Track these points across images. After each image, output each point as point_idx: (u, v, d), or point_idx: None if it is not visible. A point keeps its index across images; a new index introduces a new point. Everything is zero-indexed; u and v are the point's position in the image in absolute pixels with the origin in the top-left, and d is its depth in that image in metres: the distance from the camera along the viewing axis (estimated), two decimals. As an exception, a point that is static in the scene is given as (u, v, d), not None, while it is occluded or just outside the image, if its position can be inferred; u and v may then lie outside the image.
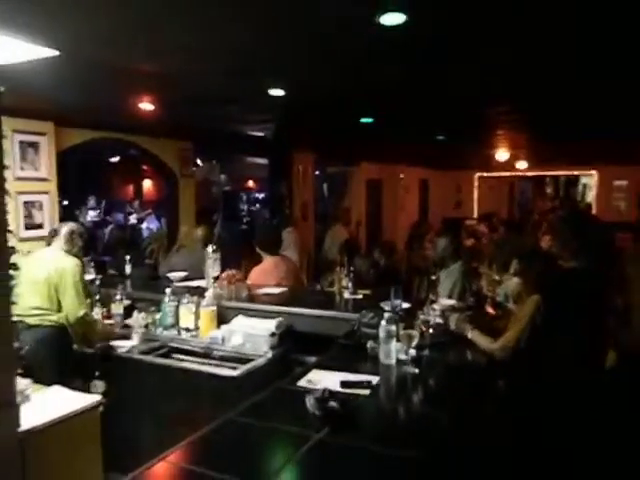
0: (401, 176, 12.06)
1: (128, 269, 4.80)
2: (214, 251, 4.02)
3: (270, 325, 3.33)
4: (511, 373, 2.34)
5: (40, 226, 4.92)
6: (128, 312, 3.94)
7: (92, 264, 4.63)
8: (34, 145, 4.87)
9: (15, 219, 4.64)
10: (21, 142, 4.72)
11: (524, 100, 4.72)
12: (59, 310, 3.49)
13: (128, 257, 4.86)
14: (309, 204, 8.84)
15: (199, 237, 5.14)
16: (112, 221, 10.64)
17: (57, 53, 2.93)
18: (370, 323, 2.74)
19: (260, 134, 6.99)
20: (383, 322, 2.46)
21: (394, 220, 11.73)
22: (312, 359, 3.07)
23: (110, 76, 3.63)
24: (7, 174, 2.35)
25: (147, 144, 6.36)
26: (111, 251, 6.93)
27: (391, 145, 8.50)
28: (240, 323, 3.45)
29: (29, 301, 3.36)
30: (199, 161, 9.67)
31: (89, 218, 10.63)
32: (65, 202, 9.06)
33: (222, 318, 3.58)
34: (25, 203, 4.85)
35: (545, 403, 2.02)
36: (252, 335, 3.30)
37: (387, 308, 2.65)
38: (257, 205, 14.19)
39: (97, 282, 4.31)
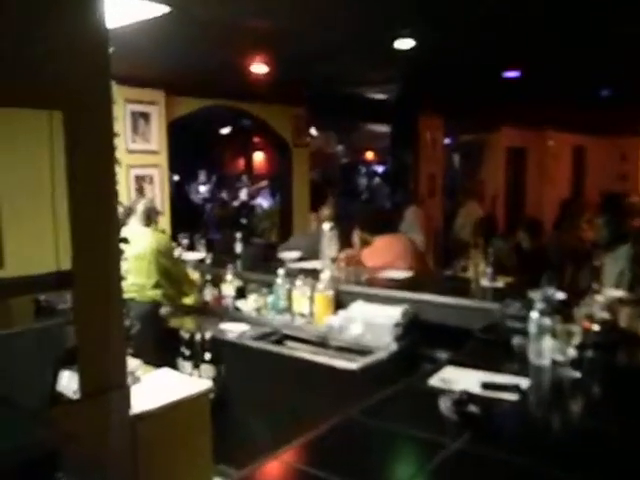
0: (550, 143, 11.38)
1: (239, 248, 4.95)
2: (331, 229, 4.01)
3: (394, 313, 3.27)
4: None
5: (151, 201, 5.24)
6: (239, 294, 4.07)
7: (203, 242, 4.85)
8: (145, 115, 5.19)
9: (127, 193, 4.98)
10: (132, 112, 5.05)
11: None
12: (155, 286, 3.81)
13: (239, 235, 5.01)
14: (437, 177, 8.63)
15: (325, 217, 5.17)
16: (222, 198, 11.14)
17: (168, 10, 3.04)
18: (517, 315, 2.58)
19: (382, 96, 6.89)
20: (534, 314, 2.30)
21: (540, 195, 11.12)
22: (443, 355, 2.98)
23: (221, 35, 3.72)
24: (119, 145, 2.49)
25: (258, 111, 6.53)
26: (219, 229, 7.25)
27: (539, 105, 7.99)
28: (360, 310, 3.42)
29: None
30: (314, 131, 9.78)
31: (199, 194, 11.19)
32: (175, 177, 9.63)
33: (340, 304, 3.58)
34: (136, 177, 5.19)
35: None
36: (373, 324, 3.27)
37: (538, 298, 2.46)
38: (377, 179, 14.13)
39: (208, 261, 4.50)
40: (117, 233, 2.18)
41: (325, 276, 3.65)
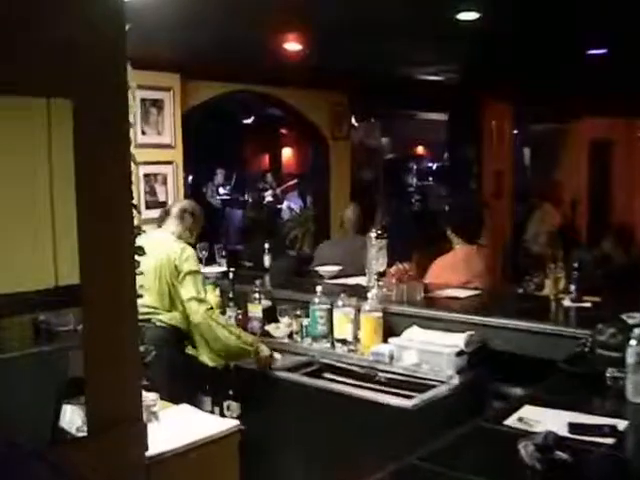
0: (642, 134, 11.20)
1: (267, 261, 5.00)
2: (378, 237, 4.02)
3: (456, 340, 3.26)
4: None
5: (163, 204, 5.31)
6: (268, 315, 4.10)
7: (223, 253, 4.90)
8: (157, 103, 5.29)
9: (135, 194, 5.08)
10: (143, 100, 5.15)
11: None
12: (170, 309, 3.76)
13: (267, 245, 5.06)
14: (505, 175, 8.59)
15: (350, 219, 5.21)
16: (248, 200, 11.21)
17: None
18: (610, 343, 2.55)
19: (438, 78, 6.89)
20: (633, 342, 2.27)
21: (630, 197, 10.94)
22: (517, 391, 2.98)
23: (248, 6, 3.78)
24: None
25: (290, 98, 6.59)
26: (245, 238, 7.31)
27: (630, 89, 7.88)
28: (415, 336, 3.42)
29: None
30: (354, 120, 9.83)
31: (218, 196, 11.31)
32: (190, 177, 9.74)
33: (390, 328, 3.58)
34: (146, 176, 5.27)
35: None
36: (431, 353, 3.27)
37: (636, 322, 2.44)
38: (430, 178, 14.08)
39: (230, 276, 4.55)
40: (132, 241, 2.23)
41: (372, 295, 3.65)
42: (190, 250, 3.83)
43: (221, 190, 11.47)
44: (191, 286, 3.69)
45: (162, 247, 3.75)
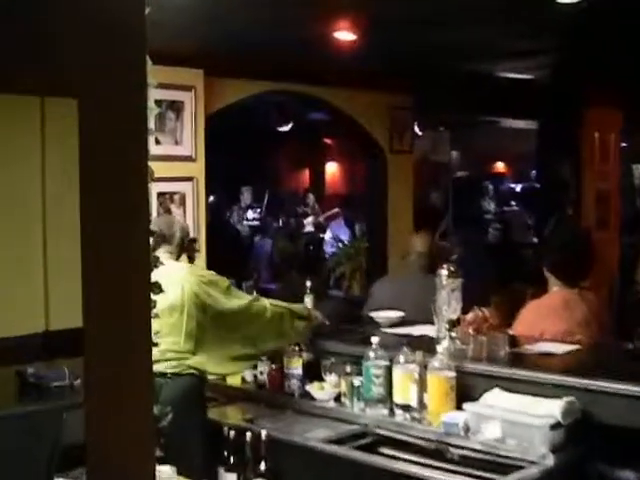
0: None
1: (308, 304, 5.01)
2: (451, 276, 4.01)
3: (551, 409, 3.24)
4: None
5: (193, 232, 5.35)
6: (309, 372, 4.11)
7: (254, 293, 4.94)
8: (175, 106, 5.38)
9: (148, 217, 5.17)
10: (158, 102, 5.23)
11: None
12: (196, 351, 3.85)
13: (309, 284, 5.08)
14: (611, 199, 8.55)
15: (418, 251, 5.20)
16: (288, 227, 11.22)
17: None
18: None
19: (526, 76, 6.90)
20: None
21: None
22: (629, 474, 2.99)
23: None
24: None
25: (338, 100, 6.64)
26: (279, 274, 7.33)
27: None
28: (497, 402, 3.41)
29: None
30: (417, 129, 9.87)
31: (246, 222, 11.37)
32: (211, 197, 9.85)
33: (465, 392, 3.57)
34: (160, 195, 5.35)
35: None
36: (518, 424, 3.24)
37: None
38: (512, 202, 14.01)
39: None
40: (148, 276, 2.24)
41: (442, 349, 3.65)
42: (209, 273, 4.10)
43: (250, 214, 11.53)
44: (241, 294, 4.09)
45: (178, 279, 3.84)
